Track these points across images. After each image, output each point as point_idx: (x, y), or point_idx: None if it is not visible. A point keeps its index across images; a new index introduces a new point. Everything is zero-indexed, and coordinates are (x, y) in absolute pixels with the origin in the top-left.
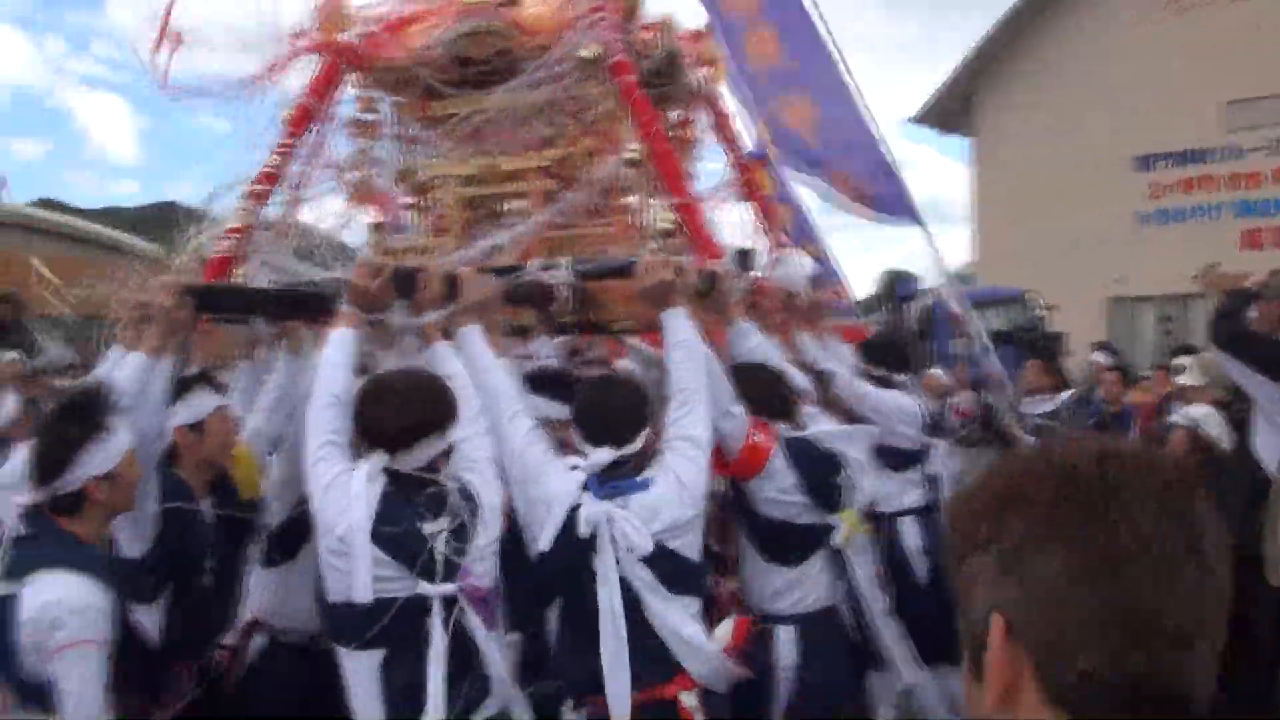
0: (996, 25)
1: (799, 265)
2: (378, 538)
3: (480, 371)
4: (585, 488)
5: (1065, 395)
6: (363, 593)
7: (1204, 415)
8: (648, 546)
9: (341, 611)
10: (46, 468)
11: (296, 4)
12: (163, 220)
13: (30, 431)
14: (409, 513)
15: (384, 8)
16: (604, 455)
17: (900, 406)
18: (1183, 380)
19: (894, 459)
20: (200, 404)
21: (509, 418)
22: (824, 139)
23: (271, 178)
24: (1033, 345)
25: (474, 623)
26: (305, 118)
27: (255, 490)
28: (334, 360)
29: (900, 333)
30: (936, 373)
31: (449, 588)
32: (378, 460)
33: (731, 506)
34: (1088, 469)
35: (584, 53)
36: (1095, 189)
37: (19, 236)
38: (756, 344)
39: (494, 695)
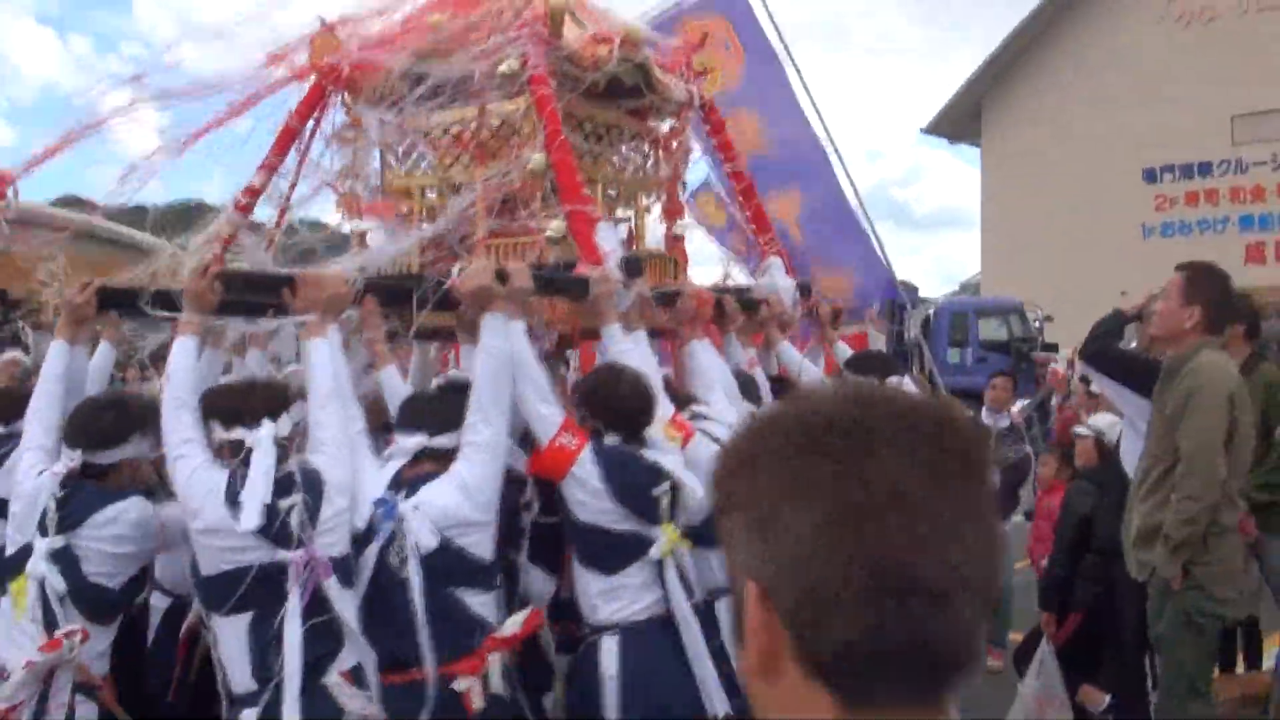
0: (1007, 37)
1: (782, 274)
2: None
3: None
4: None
5: (1021, 402)
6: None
7: (1108, 424)
8: (433, 542)
9: (214, 581)
10: (96, 440)
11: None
12: (188, 219)
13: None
14: (273, 502)
15: (369, 28)
16: (414, 441)
17: None
18: (1094, 389)
19: None
20: None
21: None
22: (810, 230)
23: (256, 192)
24: (1028, 356)
25: (327, 583)
26: (290, 137)
27: None
28: (183, 365)
29: (900, 341)
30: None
31: (300, 554)
32: (268, 436)
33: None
34: (840, 416)
35: (502, 68)
36: (1101, 201)
37: (44, 236)
38: (624, 349)
39: (347, 648)
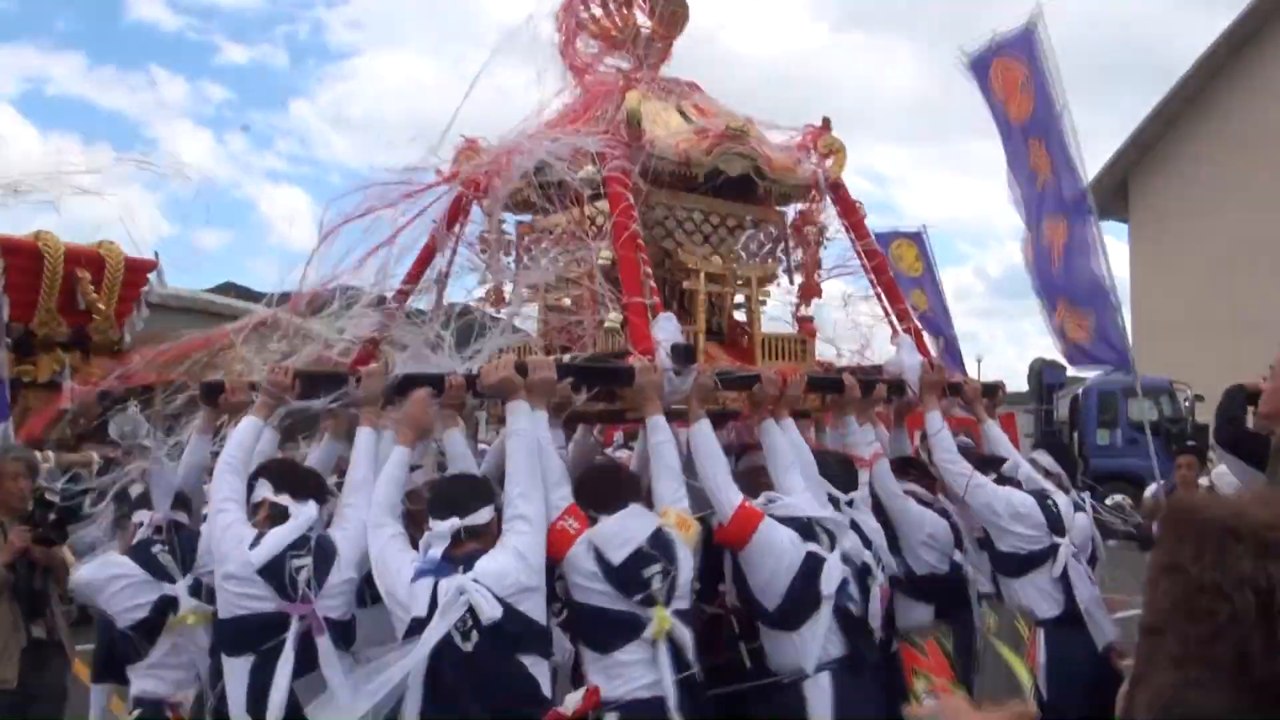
0: (1153, 110)
1: (913, 354)
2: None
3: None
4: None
5: (1153, 487)
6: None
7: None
8: (497, 612)
9: (226, 625)
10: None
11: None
12: (341, 303)
13: None
14: (284, 553)
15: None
16: (448, 525)
17: (1012, 505)
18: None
19: (1011, 564)
20: None
21: (373, 526)
22: (1066, 264)
23: (403, 295)
24: (1179, 437)
25: (320, 640)
26: (432, 247)
27: None
28: (245, 438)
29: (1049, 421)
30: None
31: (303, 608)
32: (308, 510)
33: None
34: None
35: (581, 174)
36: (1255, 276)
37: (198, 320)
38: (662, 440)
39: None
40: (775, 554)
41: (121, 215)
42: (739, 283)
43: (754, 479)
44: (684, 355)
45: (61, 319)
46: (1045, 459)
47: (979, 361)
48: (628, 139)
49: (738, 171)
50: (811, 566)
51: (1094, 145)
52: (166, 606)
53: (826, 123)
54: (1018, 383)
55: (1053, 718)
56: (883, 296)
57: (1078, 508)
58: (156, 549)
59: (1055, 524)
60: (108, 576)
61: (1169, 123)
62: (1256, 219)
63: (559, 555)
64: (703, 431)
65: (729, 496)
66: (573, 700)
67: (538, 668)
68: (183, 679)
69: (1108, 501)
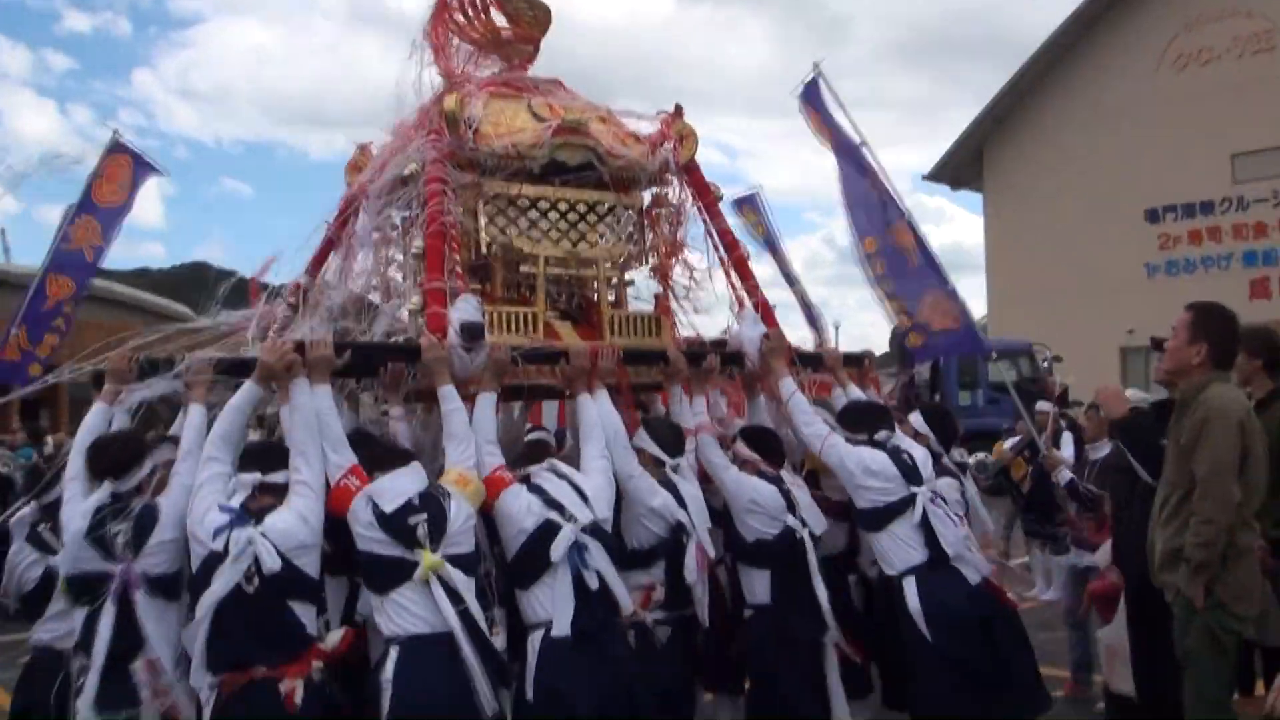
0: (1006, 84)
1: (754, 326)
2: (89, 534)
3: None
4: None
5: (1012, 440)
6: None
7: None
8: (277, 564)
9: (72, 580)
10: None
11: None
12: (193, 281)
13: None
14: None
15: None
16: (251, 478)
17: (862, 462)
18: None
19: (871, 518)
20: None
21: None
22: (928, 261)
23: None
24: (1037, 395)
25: (137, 594)
26: (333, 238)
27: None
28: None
29: (911, 384)
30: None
31: (119, 567)
32: (106, 486)
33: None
34: None
35: (405, 171)
36: (1105, 242)
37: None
38: (453, 408)
39: (146, 647)
40: (513, 518)
41: None
42: (582, 266)
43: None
44: (472, 333)
45: None
46: (916, 420)
47: (836, 328)
48: (446, 138)
49: (576, 161)
50: (545, 531)
51: (949, 116)
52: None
53: (679, 109)
54: (872, 348)
55: (936, 657)
56: (732, 272)
57: (959, 469)
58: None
59: (910, 474)
60: None
61: (1022, 96)
62: (1102, 188)
63: (341, 510)
64: (483, 402)
65: (488, 460)
66: (332, 639)
67: (305, 612)
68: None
69: (970, 460)
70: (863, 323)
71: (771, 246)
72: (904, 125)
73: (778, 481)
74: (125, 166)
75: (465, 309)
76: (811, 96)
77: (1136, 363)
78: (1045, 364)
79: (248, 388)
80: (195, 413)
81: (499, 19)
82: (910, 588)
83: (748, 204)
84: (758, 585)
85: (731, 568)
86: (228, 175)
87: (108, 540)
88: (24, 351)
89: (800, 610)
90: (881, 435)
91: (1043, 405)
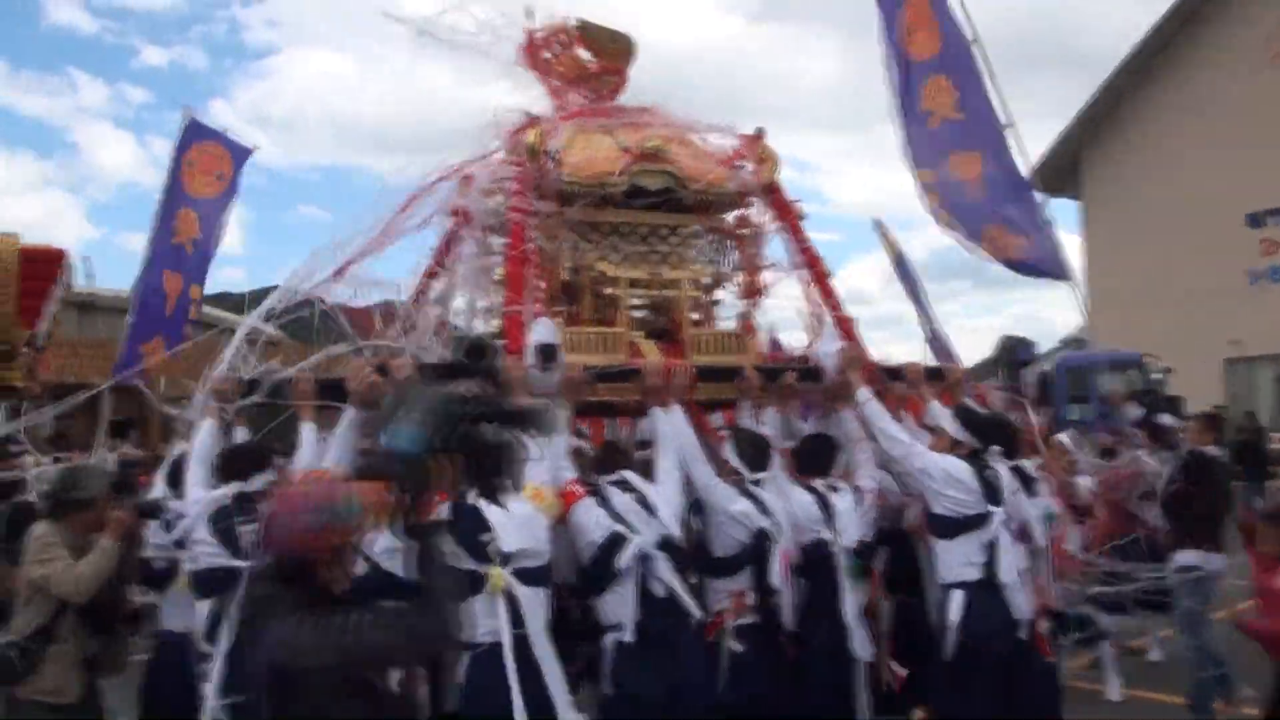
0: (1101, 87)
1: (831, 341)
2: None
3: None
4: None
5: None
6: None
7: None
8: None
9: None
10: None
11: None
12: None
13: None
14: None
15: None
16: (233, 487)
17: (947, 470)
18: None
19: (943, 526)
20: None
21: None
22: (989, 194)
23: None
24: (1152, 409)
25: None
26: (434, 268)
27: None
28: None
29: (1018, 399)
30: (1063, 439)
31: (247, 564)
32: (233, 486)
33: None
34: None
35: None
36: (1206, 248)
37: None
38: None
39: None
40: (584, 530)
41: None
42: (665, 287)
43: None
44: (547, 354)
45: None
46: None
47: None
48: (529, 170)
49: (657, 186)
50: (612, 543)
51: (1022, 129)
52: None
53: (759, 131)
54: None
55: (957, 676)
56: (817, 290)
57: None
58: None
59: (990, 493)
60: None
61: (1118, 99)
62: (1203, 191)
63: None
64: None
65: (560, 476)
66: None
67: None
68: None
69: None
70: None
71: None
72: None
73: (816, 491)
74: (217, 156)
75: (542, 331)
76: None
77: (1239, 373)
78: (1157, 376)
79: (348, 412)
80: (307, 429)
81: (584, 54)
82: (956, 601)
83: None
84: (801, 594)
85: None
86: (303, 201)
87: (234, 538)
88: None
89: (825, 619)
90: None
91: (1165, 419)
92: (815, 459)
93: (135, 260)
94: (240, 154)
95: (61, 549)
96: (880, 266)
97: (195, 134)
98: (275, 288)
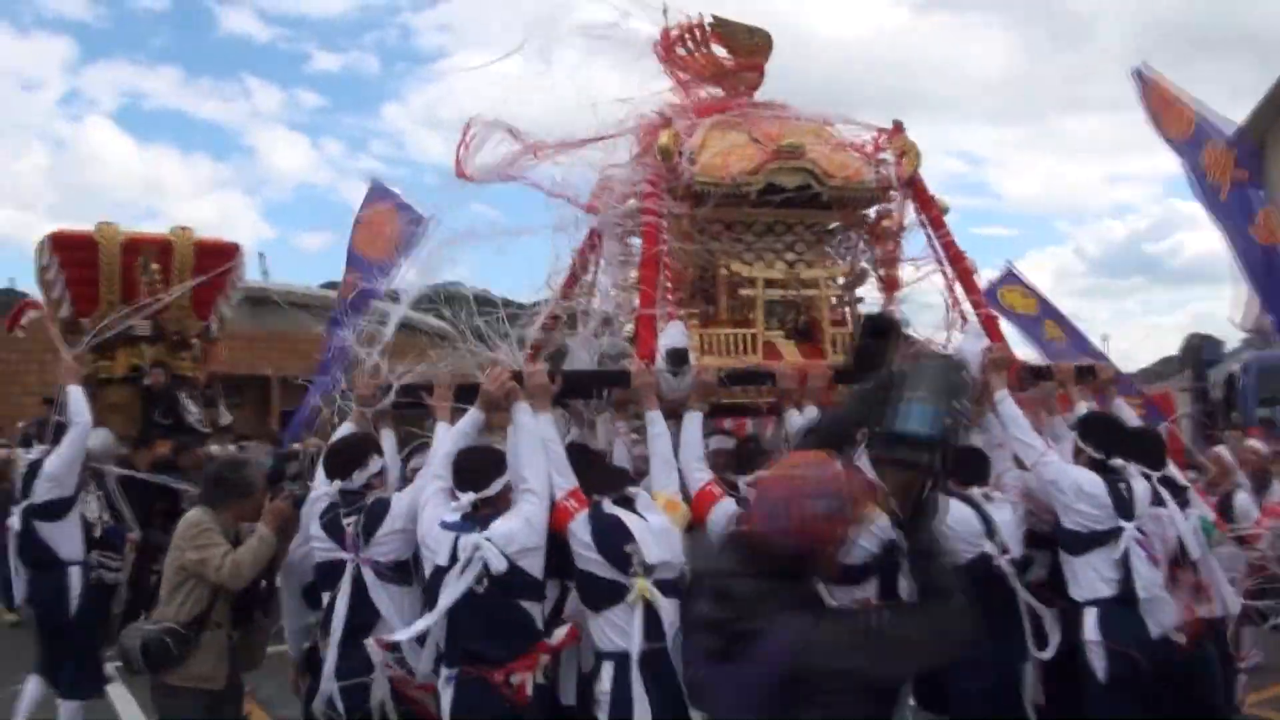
0: None
1: (976, 340)
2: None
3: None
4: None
5: None
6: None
7: None
8: (503, 565)
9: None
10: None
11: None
12: (444, 299)
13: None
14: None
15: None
16: (467, 499)
17: (1077, 483)
18: None
19: (1074, 540)
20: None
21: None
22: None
23: (574, 279)
24: None
25: (368, 577)
26: (578, 268)
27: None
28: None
29: (1204, 399)
30: (1254, 443)
31: (350, 555)
32: (336, 484)
33: None
34: None
35: (627, 205)
36: None
37: (309, 316)
38: (658, 432)
39: (378, 625)
40: (722, 529)
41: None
42: (803, 286)
43: None
44: (678, 358)
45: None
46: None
47: (1105, 340)
48: (661, 172)
49: (794, 184)
50: None
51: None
52: None
53: (898, 125)
54: (1123, 362)
55: (1106, 694)
56: (959, 286)
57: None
58: None
59: (1123, 507)
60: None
61: None
62: None
63: (559, 527)
64: (690, 423)
65: (696, 477)
66: (559, 634)
67: (533, 608)
68: None
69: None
70: (1115, 333)
71: (1052, 312)
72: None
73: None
74: (389, 218)
75: (672, 335)
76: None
77: None
78: None
79: (472, 413)
80: (441, 429)
81: (720, 50)
82: (1091, 618)
83: (1006, 285)
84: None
85: None
86: (475, 200)
87: (340, 530)
88: None
89: (999, 636)
90: (1116, 462)
91: None
92: (971, 467)
93: (309, 257)
94: (407, 214)
95: (218, 535)
96: (1054, 261)
97: (374, 196)
98: (450, 284)
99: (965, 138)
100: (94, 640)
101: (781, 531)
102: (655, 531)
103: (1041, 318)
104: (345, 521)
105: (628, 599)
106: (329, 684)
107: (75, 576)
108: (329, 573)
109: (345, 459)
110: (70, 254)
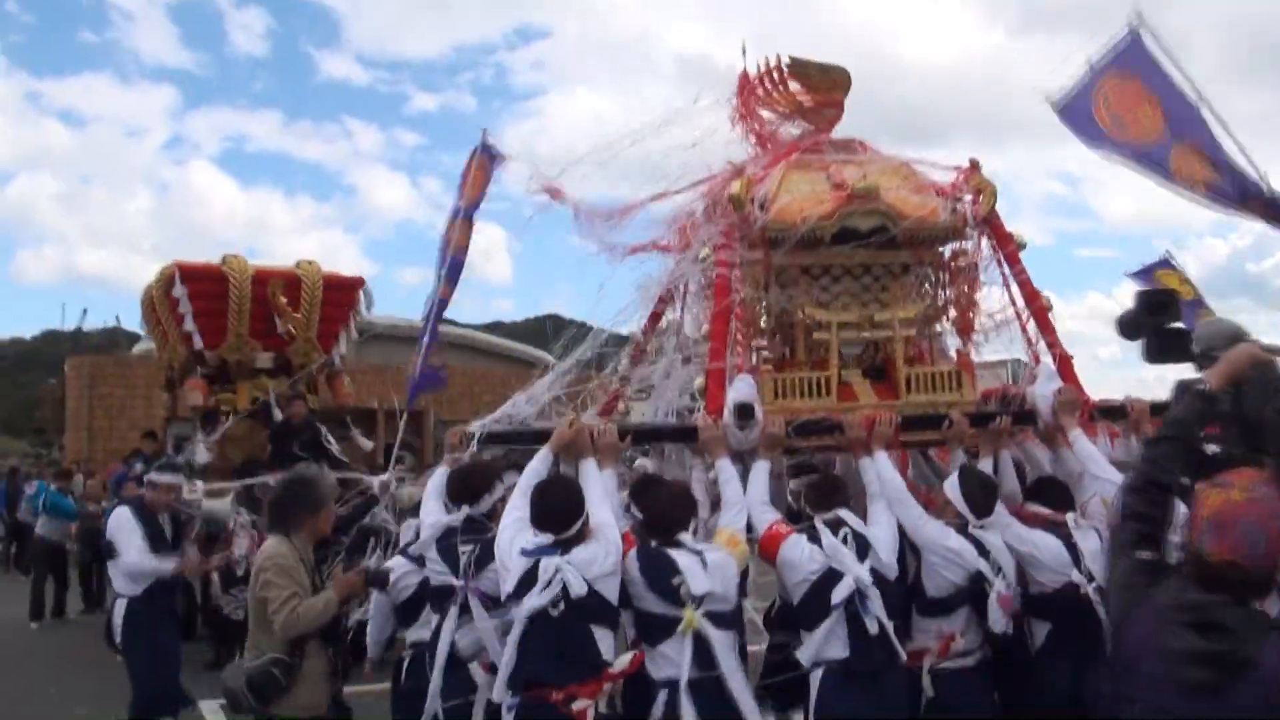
0: None
1: (1048, 382)
2: (437, 550)
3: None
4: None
5: None
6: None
7: None
8: (583, 589)
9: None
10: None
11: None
12: (542, 331)
13: None
14: (457, 539)
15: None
16: (547, 538)
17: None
18: None
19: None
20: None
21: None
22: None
23: (657, 317)
24: None
25: (474, 605)
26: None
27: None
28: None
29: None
30: None
31: (460, 581)
32: (464, 510)
33: None
34: None
35: (701, 255)
36: None
37: (411, 349)
38: (728, 478)
39: (483, 652)
40: (796, 566)
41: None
42: (876, 328)
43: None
44: (745, 413)
45: (255, 344)
46: None
47: None
48: (733, 223)
49: (868, 226)
50: (827, 579)
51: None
52: None
53: (974, 164)
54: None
55: None
56: (1031, 324)
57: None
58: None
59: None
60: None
61: None
62: None
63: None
64: (757, 471)
65: (762, 519)
66: (622, 662)
67: (604, 636)
68: None
69: None
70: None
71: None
72: (1248, 142)
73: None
74: (483, 167)
75: (740, 390)
76: (1130, 58)
77: None
78: None
79: (543, 455)
80: (605, 474)
81: (796, 87)
82: None
83: (1161, 269)
84: (1039, 636)
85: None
86: (569, 232)
87: (455, 557)
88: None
89: (1083, 664)
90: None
91: None
92: (1056, 495)
93: (409, 292)
94: (495, 163)
95: (288, 574)
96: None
97: (480, 150)
98: (548, 315)
99: (1061, 158)
100: None
101: (1262, 556)
102: (708, 564)
103: (1194, 306)
104: (461, 550)
105: (679, 630)
106: (434, 703)
107: None
108: (438, 596)
109: (473, 485)
110: (198, 285)
